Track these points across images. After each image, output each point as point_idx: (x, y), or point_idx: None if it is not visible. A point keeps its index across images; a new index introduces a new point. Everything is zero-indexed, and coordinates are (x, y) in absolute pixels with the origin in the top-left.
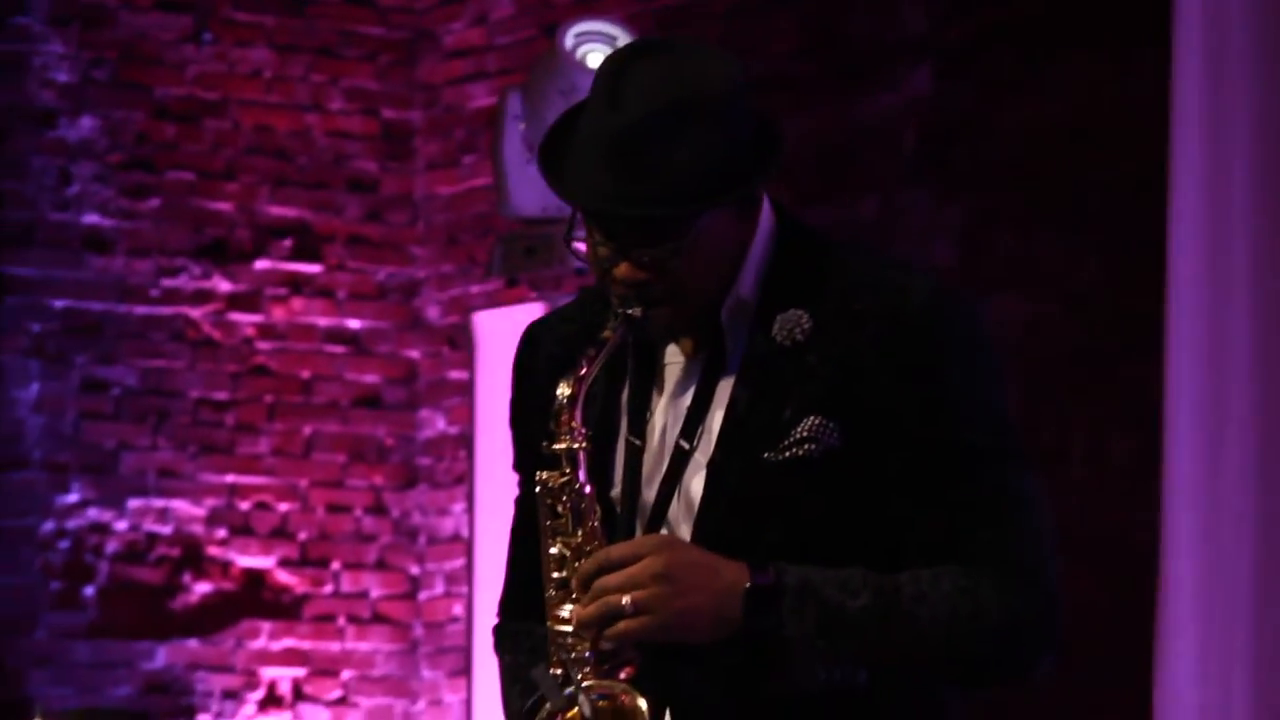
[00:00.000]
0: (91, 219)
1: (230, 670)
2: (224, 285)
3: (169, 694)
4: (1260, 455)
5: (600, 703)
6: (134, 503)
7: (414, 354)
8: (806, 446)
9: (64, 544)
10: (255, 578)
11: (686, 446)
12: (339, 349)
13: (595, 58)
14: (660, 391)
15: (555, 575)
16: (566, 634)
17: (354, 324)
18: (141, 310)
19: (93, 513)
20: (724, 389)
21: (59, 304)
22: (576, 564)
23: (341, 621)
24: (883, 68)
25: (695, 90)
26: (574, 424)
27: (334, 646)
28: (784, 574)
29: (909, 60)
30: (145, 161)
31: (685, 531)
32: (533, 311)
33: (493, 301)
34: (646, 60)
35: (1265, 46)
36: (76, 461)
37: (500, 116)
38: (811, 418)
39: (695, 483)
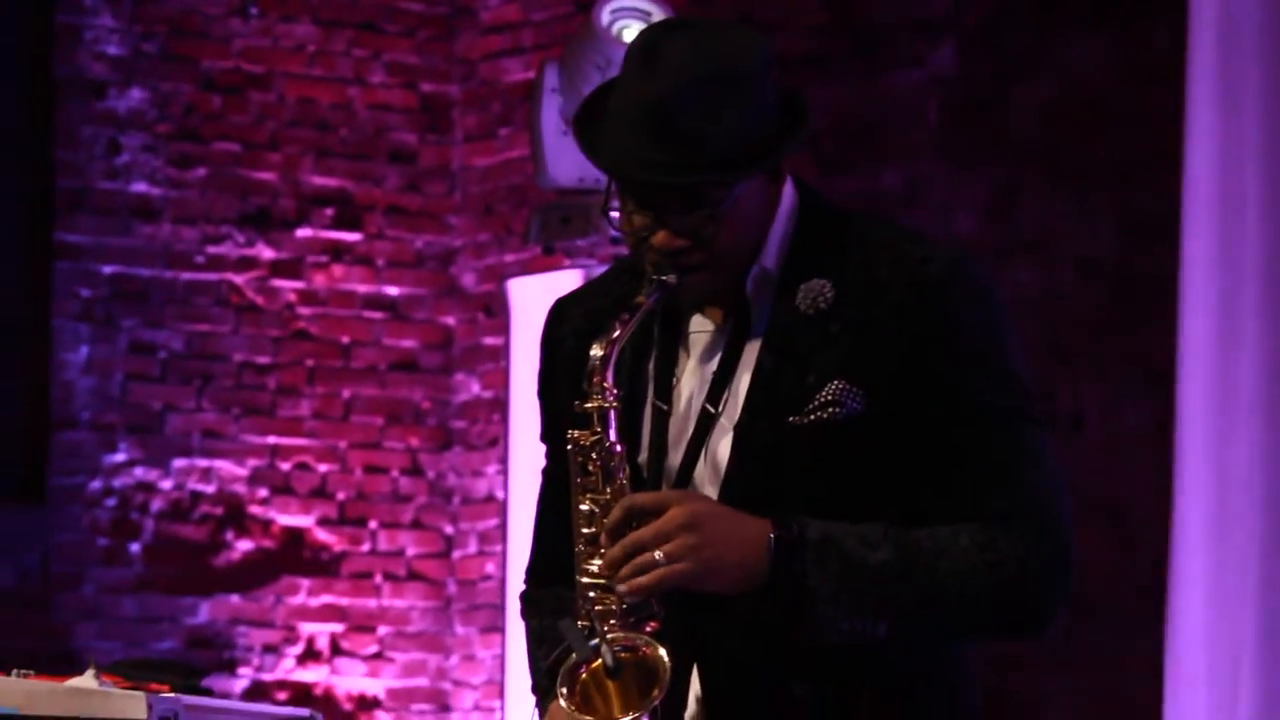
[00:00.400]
0: (140, 187)
1: (270, 625)
2: (267, 252)
3: (211, 648)
4: (1269, 419)
5: (623, 654)
6: (179, 463)
7: (450, 320)
8: (830, 410)
9: (111, 502)
10: (295, 536)
11: (712, 410)
12: (377, 315)
13: (630, 32)
14: (687, 359)
15: (585, 531)
16: (594, 587)
17: (392, 291)
18: (187, 276)
19: (139, 472)
20: (749, 356)
21: (108, 270)
22: (605, 520)
23: (378, 579)
24: (906, 44)
25: (727, 64)
26: (605, 384)
27: (371, 603)
28: (807, 527)
29: (932, 37)
30: (192, 132)
31: (712, 493)
32: (567, 279)
33: (527, 269)
34: (678, 36)
35: (1276, 18)
36: (123, 422)
37: (538, 89)
38: (835, 382)
39: (722, 445)
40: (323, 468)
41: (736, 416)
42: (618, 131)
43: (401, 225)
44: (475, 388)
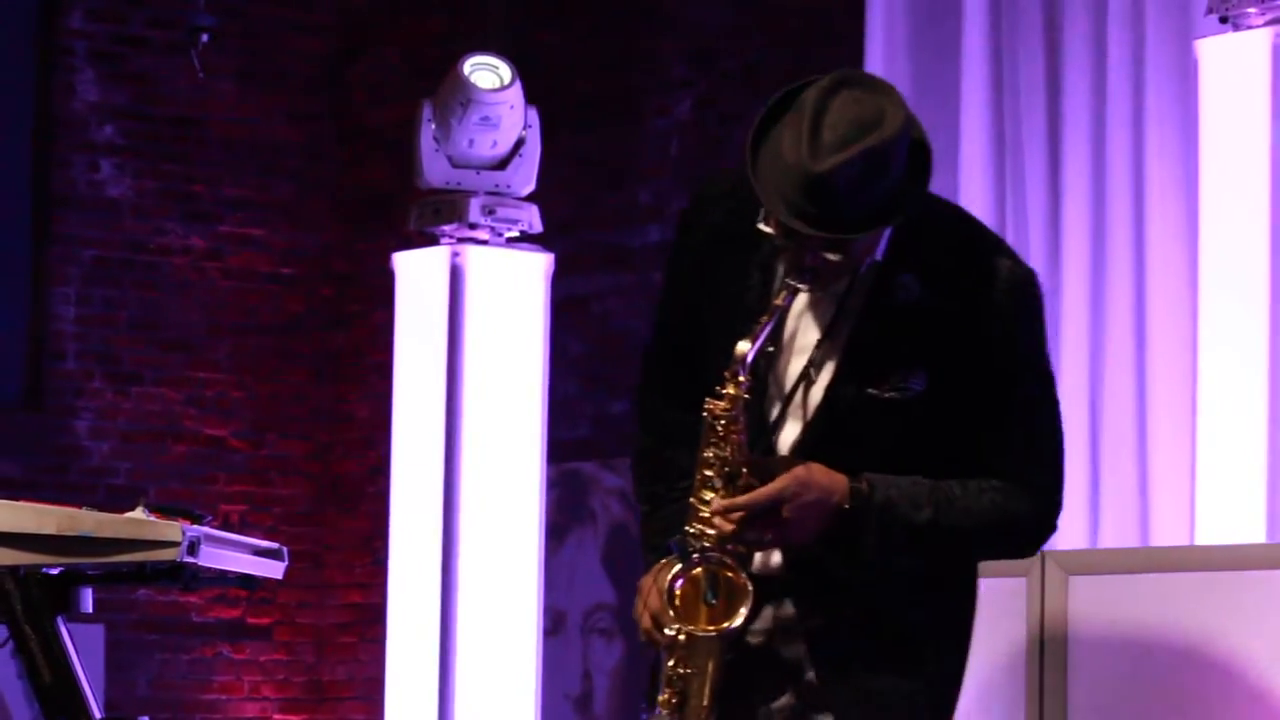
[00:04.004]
0: (111, 194)
1: (198, 505)
2: (199, 242)
3: None
4: None
5: (728, 573)
6: (135, 389)
7: (326, 292)
8: (901, 390)
9: (88, 416)
10: (217, 442)
11: (813, 374)
12: (275, 287)
13: (482, 77)
14: (800, 313)
15: (706, 472)
16: (704, 515)
17: (286, 270)
18: (143, 258)
19: (108, 395)
20: (847, 329)
21: (89, 253)
22: (725, 469)
23: (273, 474)
24: (654, 100)
25: (877, 142)
26: (742, 377)
27: (268, 491)
28: (874, 492)
29: (674, 96)
30: (148, 156)
31: (795, 429)
32: (437, 254)
33: (400, 247)
34: (841, 108)
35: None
36: (97, 360)
37: (418, 120)
38: (908, 371)
39: (813, 395)
40: (235, 394)
41: (829, 377)
42: (788, 187)
43: (293, 225)
44: (342, 340)
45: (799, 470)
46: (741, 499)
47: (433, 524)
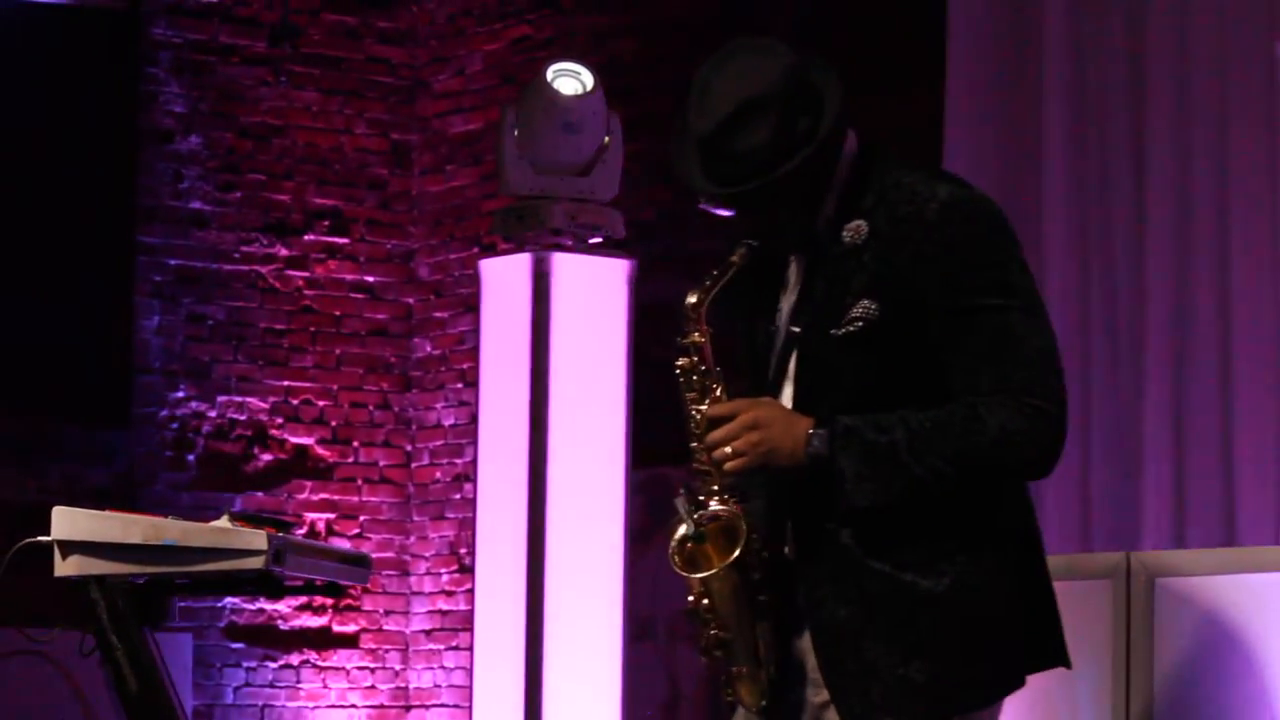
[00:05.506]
0: (195, 205)
1: (283, 514)
2: (283, 251)
3: None
4: None
5: (711, 524)
6: (221, 398)
7: (410, 300)
8: (858, 323)
9: (174, 426)
10: (302, 451)
11: (795, 330)
12: (360, 295)
13: (564, 83)
14: (785, 288)
15: (695, 431)
16: (701, 472)
17: (370, 279)
18: (228, 267)
19: (194, 405)
20: (811, 282)
21: (173, 262)
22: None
23: (359, 482)
24: None
25: (756, 90)
26: (701, 324)
27: (354, 499)
28: (835, 422)
29: None
30: (232, 166)
31: (791, 388)
32: (520, 260)
33: (485, 254)
34: (722, 73)
35: (1006, 87)
36: (183, 370)
37: (501, 128)
38: (863, 301)
39: (796, 352)
40: (321, 403)
41: (799, 333)
42: (685, 159)
43: (377, 233)
44: (428, 348)
45: (755, 398)
46: (710, 408)
47: (518, 530)
